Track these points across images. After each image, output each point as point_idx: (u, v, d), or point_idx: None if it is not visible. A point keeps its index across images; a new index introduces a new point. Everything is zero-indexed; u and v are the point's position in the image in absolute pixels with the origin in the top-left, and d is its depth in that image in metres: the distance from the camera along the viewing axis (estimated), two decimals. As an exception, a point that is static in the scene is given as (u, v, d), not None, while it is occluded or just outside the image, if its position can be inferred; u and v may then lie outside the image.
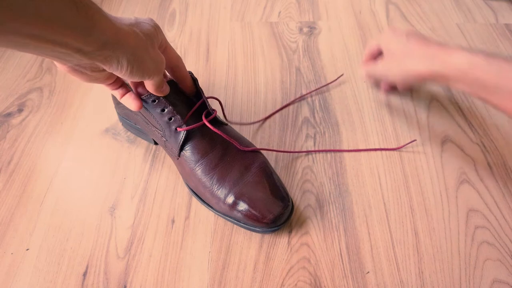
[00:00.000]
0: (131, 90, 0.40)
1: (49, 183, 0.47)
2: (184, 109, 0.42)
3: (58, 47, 0.25)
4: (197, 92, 0.44)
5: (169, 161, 0.49)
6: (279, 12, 0.71)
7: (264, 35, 0.66)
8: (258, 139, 0.51)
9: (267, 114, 0.54)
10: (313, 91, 0.57)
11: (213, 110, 0.44)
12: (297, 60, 0.62)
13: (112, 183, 0.47)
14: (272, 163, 0.48)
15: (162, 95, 0.40)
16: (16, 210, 0.44)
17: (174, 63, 0.40)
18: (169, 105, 0.41)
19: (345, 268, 0.40)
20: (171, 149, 0.43)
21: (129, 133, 0.52)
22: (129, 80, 0.39)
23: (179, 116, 0.41)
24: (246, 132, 0.52)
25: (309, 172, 0.48)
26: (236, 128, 0.52)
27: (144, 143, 0.51)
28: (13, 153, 0.50)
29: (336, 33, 0.66)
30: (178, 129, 0.41)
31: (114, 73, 0.32)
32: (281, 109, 0.54)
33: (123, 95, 0.39)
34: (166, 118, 0.41)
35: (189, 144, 0.42)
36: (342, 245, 0.41)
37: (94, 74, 0.33)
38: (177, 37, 0.66)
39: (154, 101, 0.41)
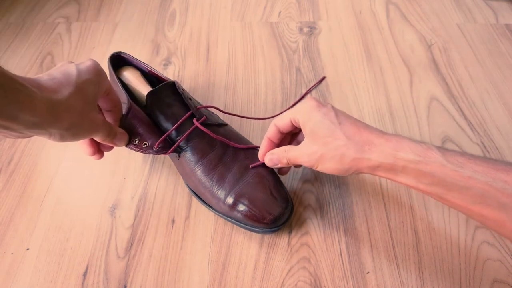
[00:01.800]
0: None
1: (49, 183, 0.47)
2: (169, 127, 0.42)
3: None
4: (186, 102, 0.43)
5: (169, 161, 0.49)
6: (279, 12, 0.71)
7: (264, 35, 0.66)
8: (258, 139, 0.51)
9: (268, 115, 0.54)
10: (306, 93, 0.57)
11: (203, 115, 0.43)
12: (297, 60, 0.62)
13: (112, 183, 0.47)
14: (272, 163, 0.48)
15: (119, 145, 0.38)
16: (16, 210, 0.44)
17: (111, 107, 0.38)
18: (144, 140, 0.40)
19: (345, 268, 0.40)
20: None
21: (129, 133, 0.52)
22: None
23: (155, 150, 0.41)
24: (246, 132, 0.52)
25: (309, 172, 0.48)
26: (236, 128, 0.52)
27: (144, 143, 0.51)
28: (13, 153, 0.50)
29: (336, 33, 0.66)
30: (164, 153, 0.41)
31: (48, 139, 0.31)
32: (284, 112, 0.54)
33: None
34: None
35: (189, 145, 0.42)
36: (342, 245, 0.41)
37: (24, 136, 0.31)
38: (177, 37, 0.66)
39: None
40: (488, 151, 0.49)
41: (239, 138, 0.45)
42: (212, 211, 0.43)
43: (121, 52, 0.49)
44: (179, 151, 0.42)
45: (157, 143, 0.40)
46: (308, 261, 0.40)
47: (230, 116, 0.54)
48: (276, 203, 0.39)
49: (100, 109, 0.39)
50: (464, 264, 0.40)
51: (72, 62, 0.34)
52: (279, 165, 0.39)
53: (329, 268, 0.40)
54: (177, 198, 0.45)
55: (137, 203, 0.45)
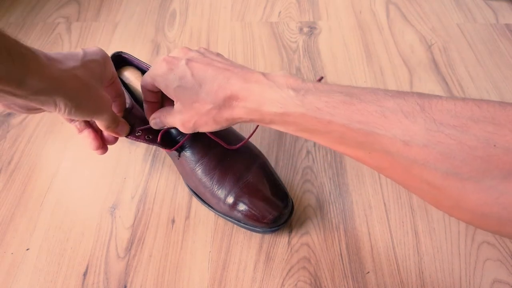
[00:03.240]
0: (92, 126, 0.37)
1: (49, 183, 0.47)
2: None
3: None
4: None
5: (169, 161, 0.49)
6: (279, 12, 0.71)
7: (264, 35, 0.66)
8: (259, 139, 0.51)
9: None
10: None
11: None
12: (297, 60, 0.62)
13: (112, 183, 0.47)
14: (272, 163, 0.48)
15: (119, 136, 0.38)
16: (16, 210, 0.44)
17: (115, 96, 0.38)
18: (146, 134, 0.40)
19: (345, 268, 0.40)
20: (171, 149, 0.43)
21: (129, 133, 0.52)
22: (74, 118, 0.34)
23: (161, 146, 0.41)
24: (246, 132, 0.52)
25: (309, 172, 0.48)
26: (236, 127, 0.52)
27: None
28: (14, 153, 0.50)
29: (336, 33, 0.66)
30: (167, 150, 0.41)
31: (54, 112, 0.30)
32: None
33: (81, 130, 0.36)
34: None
35: (189, 144, 0.42)
36: (342, 245, 0.41)
37: (32, 112, 0.31)
38: (177, 37, 0.66)
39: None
40: (488, 151, 0.49)
41: (239, 138, 0.45)
42: (212, 211, 0.43)
43: (121, 52, 0.49)
44: (179, 150, 0.42)
45: (159, 136, 0.40)
46: (308, 261, 0.40)
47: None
48: (276, 202, 0.39)
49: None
50: (464, 264, 0.40)
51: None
52: (168, 127, 0.38)
53: (329, 268, 0.40)
54: (177, 198, 0.45)
55: (137, 203, 0.45)
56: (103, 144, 0.38)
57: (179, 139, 0.41)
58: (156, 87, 0.36)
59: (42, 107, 0.29)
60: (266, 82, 0.31)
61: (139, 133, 0.40)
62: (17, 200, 0.45)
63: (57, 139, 0.52)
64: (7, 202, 0.45)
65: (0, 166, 0.49)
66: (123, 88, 0.44)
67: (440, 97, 0.25)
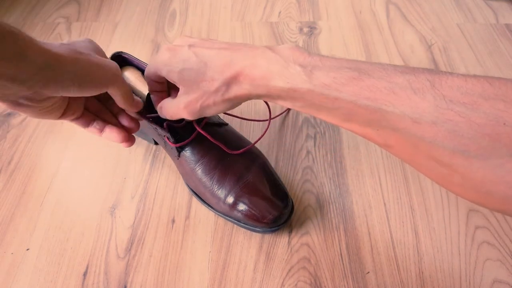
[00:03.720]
0: (110, 122, 0.37)
1: (49, 183, 0.47)
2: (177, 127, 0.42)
3: None
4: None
5: (169, 161, 0.49)
6: (279, 12, 0.71)
7: (264, 35, 0.66)
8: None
9: (268, 115, 0.54)
10: None
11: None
12: (297, 60, 0.62)
13: (112, 183, 0.47)
14: (272, 163, 0.48)
15: (136, 110, 0.37)
16: (16, 210, 0.44)
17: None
18: (160, 128, 0.40)
19: (345, 268, 0.40)
20: (171, 149, 0.43)
21: (129, 133, 0.52)
22: (86, 95, 0.32)
23: (170, 134, 0.41)
24: (246, 133, 0.52)
25: (309, 172, 0.48)
26: (237, 128, 0.52)
27: (144, 143, 0.51)
28: (14, 153, 0.50)
29: (336, 33, 0.66)
30: (172, 144, 0.41)
31: (63, 95, 0.28)
32: (285, 112, 0.54)
33: (101, 130, 0.36)
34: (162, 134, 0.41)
35: (189, 144, 0.42)
36: (342, 245, 0.41)
37: (42, 105, 0.29)
38: (177, 37, 0.66)
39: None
40: (488, 151, 0.49)
41: (239, 138, 0.45)
42: (212, 211, 0.43)
43: (121, 52, 0.49)
44: (179, 150, 0.42)
45: (165, 124, 0.40)
46: (308, 261, 0.40)
47: (230, 116, 0.54)
48: (276, 202, 0.39)
49: None
50: (464, 264, 0.40)
51: None
52: (179, 117, 0.36)
53: (329, 268, 0.40)
54: (177, 198, 0.45)
55: (137, 203, 0.45)
56: (128, 135, 0.37)
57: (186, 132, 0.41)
58: (161, 76, 0.35)
59: (50, 91, 0.27)
60: (272, 56, 0.30)
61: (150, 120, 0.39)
62: (17, 200, 0.45)
63: (57, 139, 0.52)
64: (7, 202, 0.45)
65: (0, 166, 0.49)
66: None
67: (451, 73, 0.24)
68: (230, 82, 0.31)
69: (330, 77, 0.27)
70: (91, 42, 0.33)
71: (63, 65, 0.27)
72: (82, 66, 0.28)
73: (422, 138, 0.24)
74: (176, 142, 0.41)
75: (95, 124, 0.36)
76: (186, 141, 0.41)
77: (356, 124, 0.28)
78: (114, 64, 0.32)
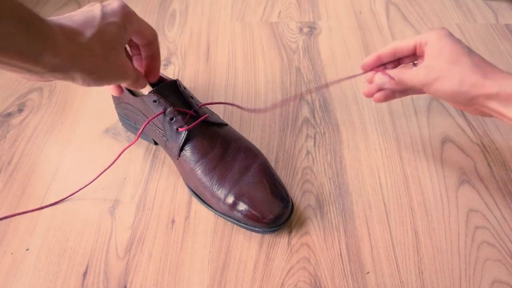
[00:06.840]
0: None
1: (49, 183, 0.47)
2: (183, 109, 0.42)
3: (5, 65, 0.24)
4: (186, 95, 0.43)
5: (169, 161, 0.49)
6: (279, 12, 0.71)
7: (264, 35, 0.66)
8: (258, 139, 0.51)
9: (268, 115, 0.54)
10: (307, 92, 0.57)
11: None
12: (297, 60, 0.62)
13: (112, 183, 0.47)
14: (272, 163, 0.48)
15: (139, 89, 0.38)
16: (16, 210, 0.44)
17: (148, 39, 0.36)
18: (170, 106, 0.41)
19: (345, 268, 0.40)
20: (171, 149, 0.43)
21: (129, 133, 0.52)
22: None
23: (180, 117, 0.41)
24: (246, 133, 0.52)
25: (309, 172, 0.48)
26: (237, 128, 0.52)
27: (144, 143, 0.51)
28: (13, 153, 0.50)
29: (336, 33, 0.66)
30: (180, 129, 0.41)
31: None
32: (285, 102, 0.54)
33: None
34: (168, 118, 0.41)
35: (189, 144, 0.42)
36: (342, 245, 0.41)
37: (45, 80, 0.30)
38: (177, 37, 0.66)
39: (155, 101, 0.41)
40: (488, 151, 0.49)
41: (239, 138, 0.45)
42: (212, 211, 0.43)
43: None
44: (179, 150, 0.42)
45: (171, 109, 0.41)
46: (308, 261, 0.40)
47: (230, 116, 0.54)
48: (276, 202, 0.39)
49: (129, 54, 0.39)
50: (464, 264, 0.40)
51: (98, 3, 0.32)
52: (385, 86, 0.41)
53: (329, 268, 0.40)
54: (177, 198, 0.45)
55: (137, 203, 0.45)
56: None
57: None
58: (410, 49, 0.41)
59: (60, 80, 0.29)
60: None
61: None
62: (17, 200, 0.45)
63: (57, 139, 0.52)
64: (7, 202, 0.45)
65: (0, 166, 0.49)
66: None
67: None
68: (479, 71, 0.36)
69: None
70: (122, 18, 0.31)
71: (77, 68, 0.28)
72: (96, 69, 0.29)
73: None
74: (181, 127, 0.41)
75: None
76: (194, 123, 0.41)
77: None
78: (123, 63, 0.33)
